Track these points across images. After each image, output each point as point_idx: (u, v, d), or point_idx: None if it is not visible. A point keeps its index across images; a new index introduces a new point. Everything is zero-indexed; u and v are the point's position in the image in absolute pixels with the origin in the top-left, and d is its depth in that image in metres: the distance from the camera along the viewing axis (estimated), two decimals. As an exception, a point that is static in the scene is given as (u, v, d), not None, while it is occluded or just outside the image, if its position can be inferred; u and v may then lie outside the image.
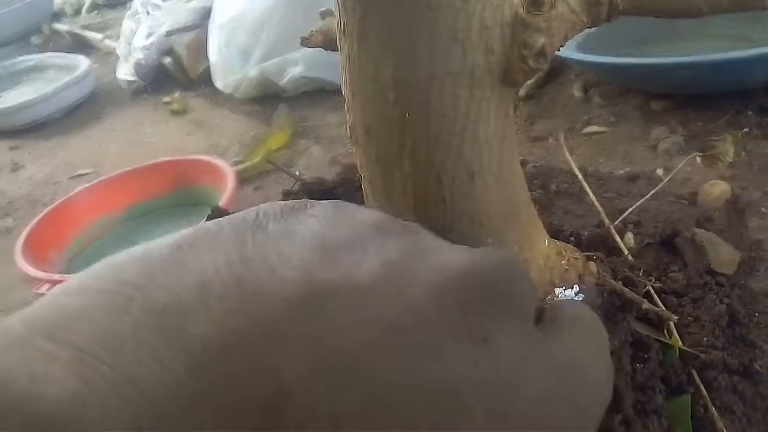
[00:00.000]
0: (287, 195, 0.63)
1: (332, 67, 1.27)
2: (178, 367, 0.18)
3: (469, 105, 0.31)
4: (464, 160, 0.32)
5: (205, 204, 1.11)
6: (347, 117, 0.36)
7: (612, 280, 0.38)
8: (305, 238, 0.22)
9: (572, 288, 0.36)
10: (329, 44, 0.49)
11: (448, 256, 0.23)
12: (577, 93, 1.08)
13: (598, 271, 0.38)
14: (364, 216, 0.24)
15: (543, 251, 0.37)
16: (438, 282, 0.21)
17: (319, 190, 0.59)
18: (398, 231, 0.24)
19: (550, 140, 0.94)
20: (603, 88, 1.06)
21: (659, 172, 0.66)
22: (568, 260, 0.38)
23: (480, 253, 0.25)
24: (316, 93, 1.31)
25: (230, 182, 1.02)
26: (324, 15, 0.51)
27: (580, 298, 0.36)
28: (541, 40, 0.30)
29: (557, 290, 0.36)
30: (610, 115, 1.01)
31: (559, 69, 1.15)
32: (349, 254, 0.21)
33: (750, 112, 0.85)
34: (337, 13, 0.32)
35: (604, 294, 0.37)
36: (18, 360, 0.17)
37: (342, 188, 0.59)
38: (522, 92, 1.12)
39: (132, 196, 1.14)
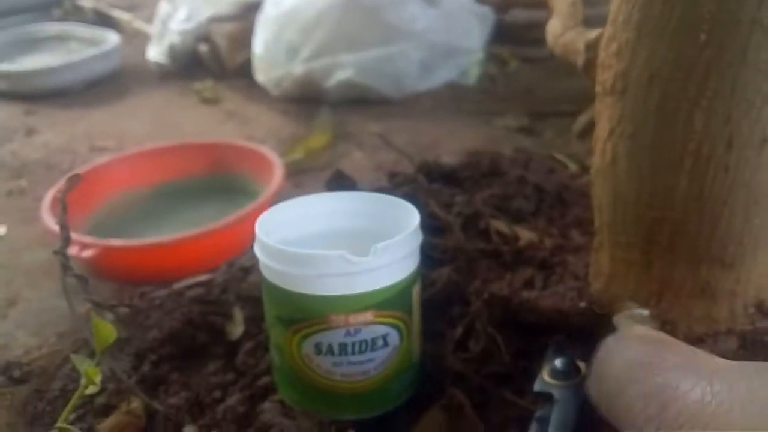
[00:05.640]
0: (393, 175, 0.59)
1: (382, 76, 1.23)
2: None
3: (791, 61, 0.28)
4: (762, 124, 0.29)
5: (242, 192, 1.05)
6: (605, 63, 0.32)
7: None
8: None
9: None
10: (504, 1, 0.46)
11: None
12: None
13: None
14: None
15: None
16: None
17: (439, 172, 0.55)
18: None
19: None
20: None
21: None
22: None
23: None
24: (358, 101, 1.27)
25: (278, 172, 0.97)
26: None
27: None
28: None
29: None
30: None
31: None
32: None
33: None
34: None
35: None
36: None
37: (467, 171, 0.55)
38: (576, 129, 1.10)
39: (164, 173, 1.07)
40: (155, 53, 1.47)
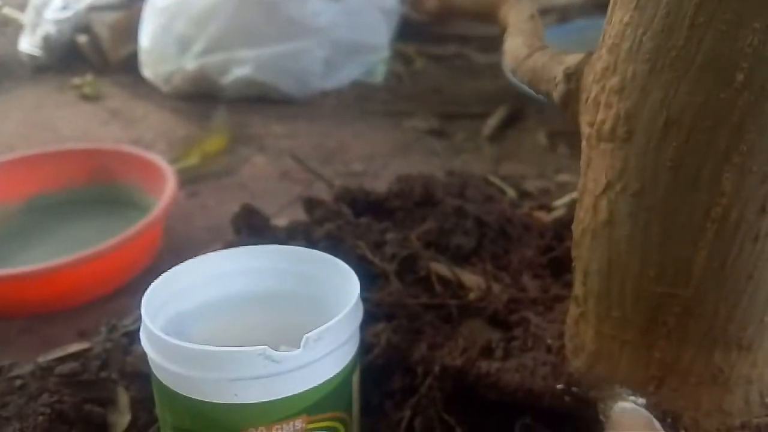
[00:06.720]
0: (310, 203, 0.50)
1: (284, 74, 1.13)
2: None
3: None
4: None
5: (129, 204, 0.93)
6: (600, 100, 0.25)
7: None
8: None
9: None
10: (444, 11, 0.39)
11: None
12: (542, 140, 1.02)
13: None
14: None
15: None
16: None
17: (364, 201, 0.47)
18: None
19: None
20: (569, 138, 1.02)
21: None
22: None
23: None
24: (258, 99, 1.16)
25: (170, 183, 0.85)
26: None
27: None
28: None
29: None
30: (579, 165, 0.96)
31: (520, 112, 1.09)
32: None
33: None
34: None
35: None
36: None
37: (398, 201, 0.47)
38: (486, 132, 1.05)
39: (36, 185, 0.92)
40: (28, 45, 1.29)
